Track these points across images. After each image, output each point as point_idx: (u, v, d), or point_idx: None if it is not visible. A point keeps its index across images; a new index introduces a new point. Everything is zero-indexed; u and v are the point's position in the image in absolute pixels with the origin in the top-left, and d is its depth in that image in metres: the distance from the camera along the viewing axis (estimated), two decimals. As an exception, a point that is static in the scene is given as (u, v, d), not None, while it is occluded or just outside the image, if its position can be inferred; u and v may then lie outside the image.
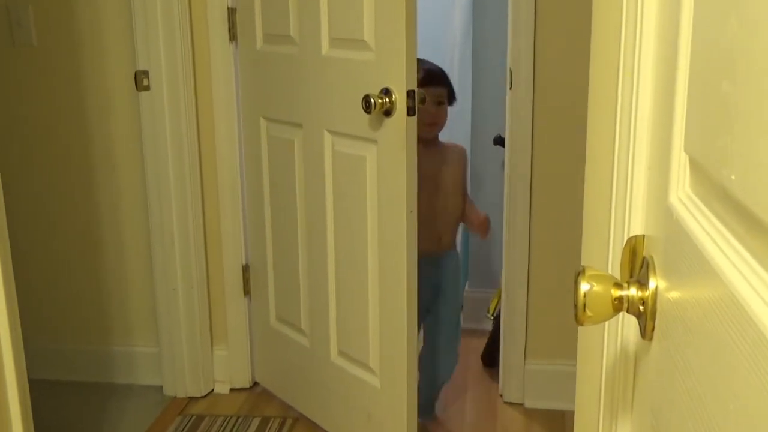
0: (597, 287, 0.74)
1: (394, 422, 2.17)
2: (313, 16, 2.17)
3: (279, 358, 2.67)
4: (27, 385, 1.78)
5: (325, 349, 2.39)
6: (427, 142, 2.32)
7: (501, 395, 2.69)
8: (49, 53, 2.60)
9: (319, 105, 2.23)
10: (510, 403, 2.64)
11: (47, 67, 2.61)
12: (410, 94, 1.92)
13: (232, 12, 2.49)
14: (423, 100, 2.05)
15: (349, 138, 2.14)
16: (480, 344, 2.97)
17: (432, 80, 2.31)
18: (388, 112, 1.95)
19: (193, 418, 2.62)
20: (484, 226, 2.47)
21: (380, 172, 2.05)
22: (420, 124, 1.99)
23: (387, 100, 1.93)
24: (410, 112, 1.93)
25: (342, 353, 2.35)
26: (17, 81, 2.63)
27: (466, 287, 3.30)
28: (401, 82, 1.92)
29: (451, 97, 2.40)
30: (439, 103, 2.33)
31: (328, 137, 2.22)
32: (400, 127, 1.95)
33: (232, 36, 2.50)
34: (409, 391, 2.12)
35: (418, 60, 2.03)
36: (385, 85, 1.94)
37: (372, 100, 1.92)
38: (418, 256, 2.06)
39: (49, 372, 2.74)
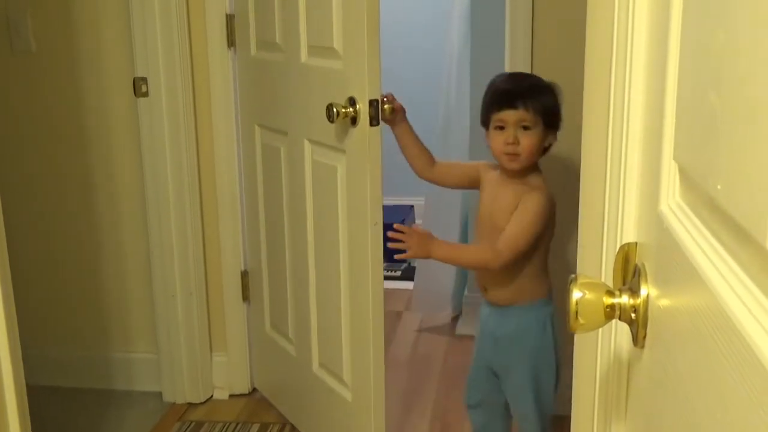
0: (589, 295, 0.75)
1: None
2: (294, 23, 2.15)
3: (273, 365, 2.68)
4: (25, 392, 1.78)
5: (309, 359, 2.38)
6: (510, 172, 1.99)
7: (499, 401, 2.68)
8: (48, 60, 2.60)
9: (300, 113, 2.22)
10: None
11: (46, 74, 2.62)
12: (372, 103, 1.88)
13: (230, 18, 2.49)
14: (392, 111, 2.02)
15: (324, 147, 2.12)
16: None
17: (503, 100, 1.95)
18: (354, 121, 1.92)
19: (192, 424, 2.62)
20: None
21: (348, 183, 2.03)
22: (498, 152, 1.95)
23: (352, 109, 1.91)
24: (372, 122, 1.89)
25: (322, 365, 2.34)
26: (16, 87, 2.64)
27: (465, 292, 3.30)
28: (363, 90, 1.88)
29: (548, 118, 1.94)
30: (524, 128, 1.92)
31: (308, 146, 2.20)
32: (364, 137, 1.92)
33: (231, 42, 2.51)
34: (376, 406, 2.09)
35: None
36: (351, 94, 1.91)
37: (334, 110, 1.90)
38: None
39: (48, 378, 2.74)
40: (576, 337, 1.22)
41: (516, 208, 1.95)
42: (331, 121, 1.91)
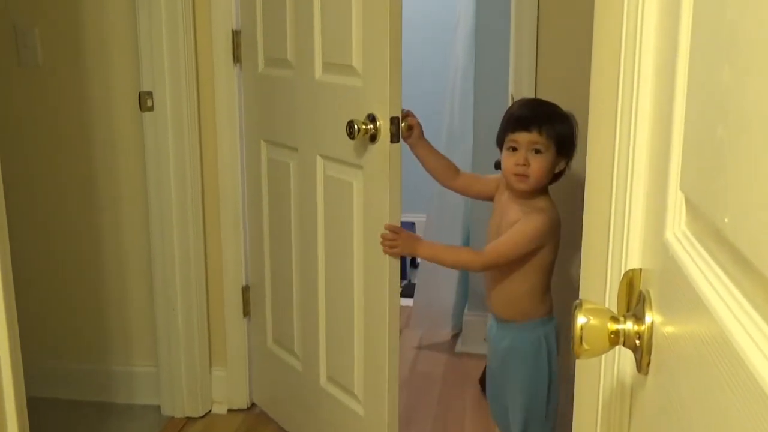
0: (594, 320, 0.75)
1: None
2: (308, 40, 2.18)
3: (275, 380, 2.67)
4: (25, 404, 1.78)
5: (316, 373, 2.39)
6: (518, 193, 2.03)
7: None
8: (55, 73, 2.62)
9: (312, 129, 2.24)
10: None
11: (52, 87, 2.63)
12: (393, 120, 1.93)
13: (236, 34, 2.51)
14: (408, 127, 2.05)
15: (339, 163, 2.15)
16: (478, 368, 2.97)
17: (518, 123, 1.98)
18: (373, 138, 1.95)
19: (191, 438, 2.62)
20: None
21: (366, 199, 2.06)
22: (508, 172, 2.00)
23: (372, 126, 1.94)
24: (393, 138, 1.93)
25: (330, 379, 2.35)
26: (22, 100, 2.65)
27: (466, 310, 3.30)
28: (385, 108, 1.92)
29: (561, 145, 1.97)
30: (536, 151, 1.96)
31: (320, 162, 2.23)
32: (384, 153, 1.95)
33: (236, 58, 2.52)
34: (390, 420, 2.11)
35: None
36: (371, 111, 1.95)
37: (356, 126, 1.93)
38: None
39: (48, 390, 2.74)
40: (577, 363, 1.22)
41: None
42: (352, 138, 1.94)
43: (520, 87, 2.41)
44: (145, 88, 2.49)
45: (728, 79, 0.51)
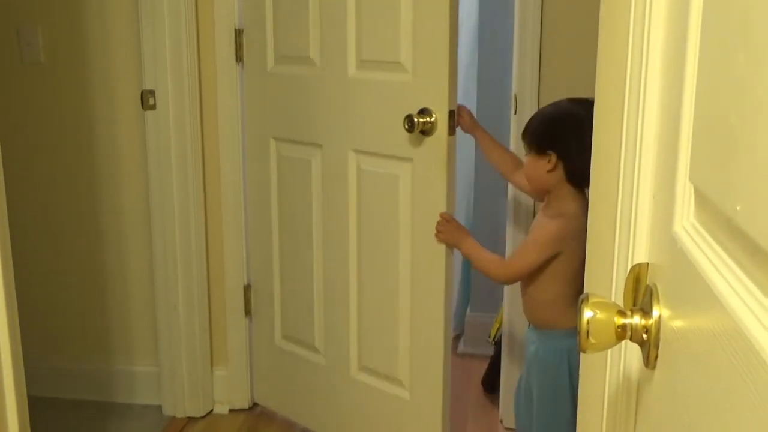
0: (600, 315, 0.75)
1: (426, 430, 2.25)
2: (338, 39, 2.22)
3: (285, 376, 2.67)
4: (26, 403, 1.78)
5: (344, 365, 2.42)
6: (544, 198, 2.06)
7: (501, 421, 2.68)
8: (57, 71, 2.61)
9: (344, 125, 2.28)
10: (510, 429, 2.62)
11: (54, 85, 2.63)
12: (451, 114, 2.01)
13: (238, 33, 2.51)
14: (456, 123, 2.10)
15: (380, 157, 2.20)
16: (480, 369, 2.96)
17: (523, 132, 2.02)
18: (424, 132, 2.03)
19: (192, 438, 2.61)
20: None
21: (415, 190, 2.13)
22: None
23: (426, 119, 2.02)
24: (451, 131, 2.02)
25: (364, 368, 2.38)
26: (25, 98, 2.65)
27: (468, 311, 3.30)
28: (443, 102, 2.01)
29: (537, 143, 1.96)
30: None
31: (353, 156, 2.27)
32: (441, 146, 2.03)
33: (239, 57, 2.52)
34: (444, 401, 2.20)
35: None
36: (424, 105, 2.02)
37: (415, 120, 2.00)
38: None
39: (49, 390, 2.73)
40: (582, 358, 1.22)
41: None
42: (411, 131, 2.02)
43: (523, 87, 2.41)
44: (148, 86, 2.49)
45: (742, 67, 0.51)
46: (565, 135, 1.93)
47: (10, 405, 1.72)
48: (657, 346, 0.72)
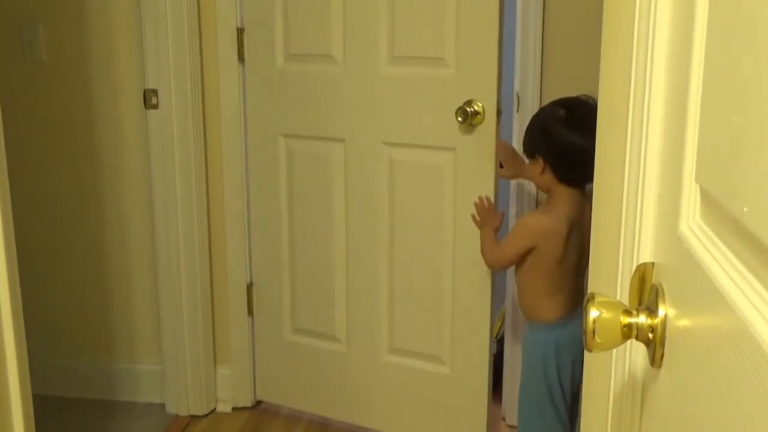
0: (606, 314, 0.75)
1: (469, 404, 2.43)
2: (367, 37, 2.34)
3: (296, 370, 2.71)
4: (31, 402, 1.78)
5: (372, 350, 2.54)
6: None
7: (504, 418, 2.68)
8: (59, 70, 2.62)
9: (373, 119, 2.39)
10: (513, 426, 2.63)
11: (57, 84, 2.63)
12: (498, 104, 2.20)
13: (240, 33, 2.51)
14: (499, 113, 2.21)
15: (417, 148, 2.34)
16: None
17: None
18: (473, 123, 2.21)
19: (195, 436, 2.62)
20: None
21: (458, 176, 2.28)
22: None
23: (475, 110, 2.19)
24: (497, 120, 2.20)
25: (397, 350, 2.51)
26: (27, 97, 2.65)
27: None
28: (492, 93, 2.19)
29: (528, 148, 2.09)
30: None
31: (385, 149, 2.39)
32: (489, 135, 2.20)
33: (240, 57, 2.52)
34: (489, 373, 2.40)
35: None
36: (469, 97, 2.20)
37: (468, 111, 2.18)
38: None
39: (52, 388, 2.74)
40: (586, 357, 1.22)
41: None
42: (464, 122, 2.19)
43: (525, 86, 2.41)
44: (150, 86, 2.49)
45: (749, 68, 0.51)
46: (545, 137, 2.02)
47: (15, 404, 1.73)
48: (663, 345, 0.72)
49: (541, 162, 2.02)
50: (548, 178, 2.03)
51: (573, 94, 2.09)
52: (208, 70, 2.54)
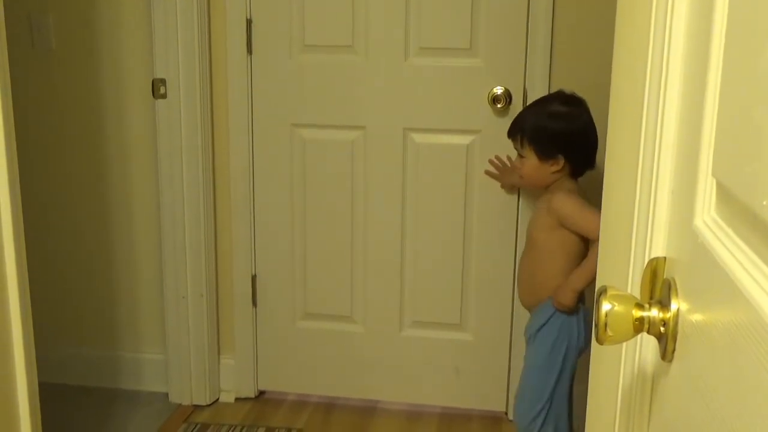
0: (618, 307, 0.75)
1: (491, 369, 2.64)
2: (390, 29, 2.46)
3: (305, 356, 2.76)
4: (37, 389, 1.79)
5: (391, 326, 2.68)
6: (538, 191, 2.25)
7: (506, 413, 2.68)
8: (68, 57, 2.62)
9: (394, 107, 2.52)
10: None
11: (65, 71, 2.63)
12: (525, 91, 2.40)
13: (249, 24, 2.51)
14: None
15: (442, 132, 2.51)
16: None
17: (508, 132, 2.18)
18: (502, 108, 2.43)
19: (198, 426, 2.62)
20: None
21: (483, 155, 2.48)
22: None
23: (503, 95, 2.42)
24: (524, 105, 2.35)
25: (416, 323, 2.67)
26: (35, 84, 2.65)
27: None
28: (519, 81, 2.41)
29: (540, 148, 2.08)
30: (521, 156, 2.14)
31: (408, 134, 2.53)
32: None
33: (249, 48, 2.52)
34: (509, 339, 2.60)
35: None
36: (497, 84, 2.41)
37: (497, 97, 2.40)
38: None
39: (56, 376, 2.75)
40: (593, 351, 1.22)
41: (543, 221, 2.10)
42: (499, 106, 2.41)
43: (533, 81, 2.40)
44: (159, 75, 2.49)
45: (770, 61, 0.51)
46: (575, 141, 2.07)
47: (22, 391, 1.74)
48: (675, 339, 0.72)
49: (561, 161, 2.07)
50: (560, 173, 2.08)
51: (582, 89, 2.10)
52: (216, 60, 2.54)
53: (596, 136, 2.06)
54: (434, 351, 2.68)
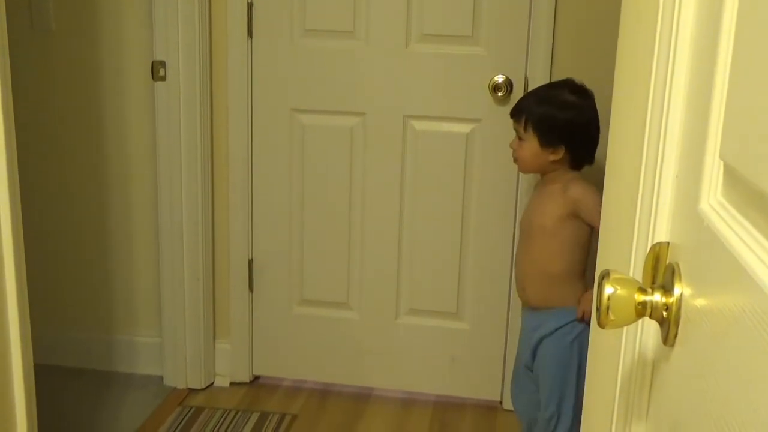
0: (621, 291, 0.75)
1: (486, 358, 2.64)
2: (391, 15, 2.45)
3: (300, 342, 2.76)
4: (32, 371, 1.78)
5: (386, 314, 2.68)
6: (543, 178, 2.16)
7: (501, 402, 2.69)
8: (67, 38, 2.61)
9: (394, 94, 2.51)
10: (509, 411, 2.63)
11: (64, 52, 2.62)
12: (526, 80, 2.39)
13: (250, 7, 2.50)
14: None
15: (443, 120, 2.51)
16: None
17: (511, 111, 2.14)
18: (502, 96, 2.42)
19: (193, 409, 2.62)
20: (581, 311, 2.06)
21: (484, 144, 2.48)
22: None
23: (505, 84, 2.41)
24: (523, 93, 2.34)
25: (412, 311, 2.67)
26: (34, 65, 2.64)
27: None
28: (520, 69, 2.40)
29: (544, 135, 2.04)
30: (521, 138, 2.09)
31: (407, 121, 2.52)
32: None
33: (249, 32, 2.51)
34: (506, 328, 2.60)
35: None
36: (499, 73, 2.41)
37: (498, 85, 2.40)
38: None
39: (50, 357, 2.74)
40: (592, 336, 1.22)
41: (554, 209, 2.05)
42: (500, 94, 2.41)
43: (534, 70, 2.40)
44: (158, 57, 2.48)
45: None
46: (579, 133, 2.04)
47: (17, 373, 1.73)
48: (677, 324, 0.72)
49: (562, 151, 2.04)
50: (558, 162, 2.06)
51: (584, 76, 2.10)
52: (216, 44, 2.53)
53: (599, 130, 2.04)
54: (430, 339, 2.68)
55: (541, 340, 2.11)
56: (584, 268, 2.09)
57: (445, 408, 2.70)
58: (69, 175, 2.72)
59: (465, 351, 2.67)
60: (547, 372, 2.11)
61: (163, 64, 2.47)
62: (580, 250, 2.06)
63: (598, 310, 0.76)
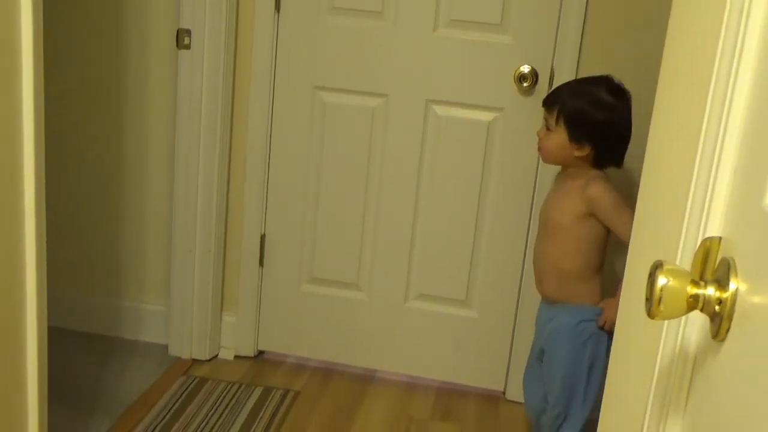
0: (673, 282, 0.74)
1: (492, 346, 2.65)
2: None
3: (308, 319, 2.76)
4: (46, 334, 1.79)
5: (395, 297, 2.69)
6: (565, 172, 2.14)
7: (504, 393, 2.69)
8: (92, 2, 2.59)
9: (419, 78, 2.50)
10: (512, 402, 2.64)
11: (89, 17, 2.61)
12: (552, 69, 2.38)
13: (280, -19, 2.49)
14: None
15: (466, 107, 2.50)
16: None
17: (544, 100, 2.12)
18: (528, 86, 2.41)
19: (196, 380, 2.62)
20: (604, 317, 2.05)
21: (505, 134, 2.48)
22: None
23: (531, 74, 2.40)
24: (550, 85, 2.36)
25: (421, 296, 2.67)
26: (57, 27, 2.61)
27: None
28: (547, 59, 2.39)
29: (573, 129, 2.01)
30: (548, 128, 2.06)
31: (429, 106, 2.52)
32: (541, 96, 2.23)
33: (277, 6, 2.50)
34: (514, 318, 2.62)
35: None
36: (525, 62, 2.40)
37: (524, 76, 2.38)
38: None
39: (57, 320, 2.72)
40: (618, 331, 1.22)
41: (572, 207, 2.04)
42: (524, 84, 2.40)
43: (561, 62, 2.39)
44: (184, 25, 2.46)
45: None
46: (609, 134, 2.01)
47: (31, 335, 1.73)
48: (731, 319, 0.72)
49: (587, 149, 2.02)
50: (582, 158, 2.04)
51: (612, 70, 2.08)
52: (243, 15, 2.51)
53: (630, 133, 2.01)
54: (437, 325, 2.69)
55: (551, 334, 2.11)
56: (601, 265, 2.08)
57: (449, 394, 2.70)
58: (86, 139, 2.71)
59: (472, 339, 2.67)
60: (557, 370, 2.11)
61: (188, 32, 2.46)
62: (596, 248, 2.06)
63: (648, 300, 0.75)
